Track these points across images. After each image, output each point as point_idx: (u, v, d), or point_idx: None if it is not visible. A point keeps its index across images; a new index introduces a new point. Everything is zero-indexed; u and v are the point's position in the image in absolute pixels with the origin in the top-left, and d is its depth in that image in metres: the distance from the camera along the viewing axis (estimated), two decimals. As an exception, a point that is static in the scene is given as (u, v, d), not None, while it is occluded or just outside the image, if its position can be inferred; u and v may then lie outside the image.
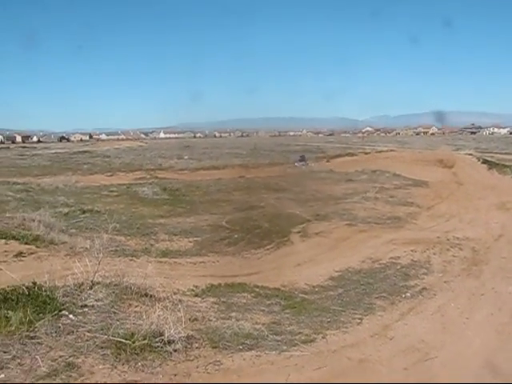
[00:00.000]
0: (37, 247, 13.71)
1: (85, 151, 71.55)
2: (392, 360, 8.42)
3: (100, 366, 7.13)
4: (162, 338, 7.76)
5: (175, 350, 7.72)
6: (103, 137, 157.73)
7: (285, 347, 8.48)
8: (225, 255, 14.25)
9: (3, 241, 13.89)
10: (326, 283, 12.30)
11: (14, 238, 14.10)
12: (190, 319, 8.73)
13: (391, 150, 55.15)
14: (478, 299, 11.20)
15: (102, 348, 7.54)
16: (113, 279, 9.90)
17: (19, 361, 6.84)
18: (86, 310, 8.73)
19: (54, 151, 74.60)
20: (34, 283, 8.99)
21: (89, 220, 18.82)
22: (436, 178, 32.28)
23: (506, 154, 48.44)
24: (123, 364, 7.24)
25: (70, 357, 7.20)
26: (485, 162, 41.33)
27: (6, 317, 7.84)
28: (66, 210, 20.42)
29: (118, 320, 8.42)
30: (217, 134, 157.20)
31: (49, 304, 8.54)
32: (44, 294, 8.73)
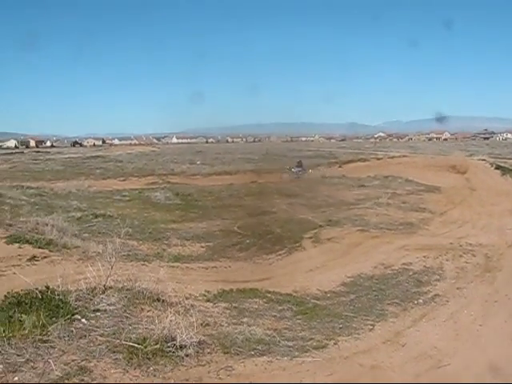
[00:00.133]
0: (50, 251, 13.78)
1: (98, 156, 71.85)
2: (404, 367, 8.38)
3: (112, 371, 7.16)
4: (174, 342, 7.77)
5: (187, 355, 7.72)
6: (116, 142, 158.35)
7: (297, 353, 8.46)
8: (237, 260, 14.25)
9: (17, 245, 13.98)
10: (338, 289, 12.26)
11: (27, 241, 14.18)
12: (201, 324, 8.73)
13: (403, 156, 54.92)
14: (491, 306, 11.11)
15: (114, 352, 7.57)
16: (125, 284, 9.94)
17: (32, 364, 6.88)
18: (99, 314, 8.77)
19: (67, 156, 75.02)
20: (47, 287, 9.04)
21: (101, 224, 18.89)
22: (449, 184, 32.13)
23: (519, 159, 48.14)
24: (135, 368, 7.27)
25: (82, 361, 7.24)
26: (498, 167, 41.08)
27: (20, 320, 7.90)
28: (78, 214, 20.51)
29: (130, 324, 8.45)
30: (229, 140, 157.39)
31: (62, 308, 8.59)
32: (57, 298, 8.77)
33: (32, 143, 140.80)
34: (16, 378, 6.53)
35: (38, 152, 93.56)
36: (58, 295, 8.85)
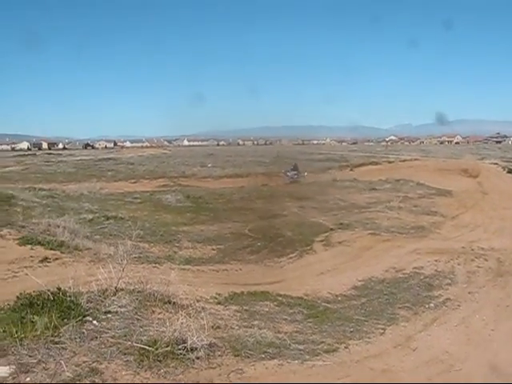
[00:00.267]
0: (61, 253, 13.84)
1: (109, 158, 72.07)
2: (415, 371, 8.34)
3: (123, 373, 7.18)
4: (185, 345, 7.78)
5: (198, 358, 7.73)
6: (127, 144, 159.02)
7: (307, 356, 8.45)
8: (247, 263, 14.26)
9: (29, 246, 14.06)
10: (349, 292, 12.23)
11: (39, 243, 14.26)
12: (212, 327, 8.73)
13: (415, 159, 54.71)
14: (503, 311, 11.05)
15: (125, 354, 7.59)
16: (136, 286, 9.96)
17: (44, 365, 6.91)
18: (110, 316, 8.80)
19: (79, 158, 75.33)
20: (59, 289, 9.08)
21: (113, 226, 18.95)
22: (460, 188, 31.98)
23: (532, 163, 47.82)
24: (146, 370, 7.28)
25: (93, 362, 7.26)
26: (510, 171, 40.87)
27: (32, 321, 7.94)
28: (90, 216, 20.59)
29: (141, 327, 8.47)
30: (240, 142, 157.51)
31: (73, 309, 8.63)
32: (68, 299, 8.81)
33: (44, 145, 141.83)
34: (28, 379, 6.57)
35: (51, 154, 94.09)
36: (70, 297, 8.88)
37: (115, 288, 9.67)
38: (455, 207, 25.21)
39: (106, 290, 9.65)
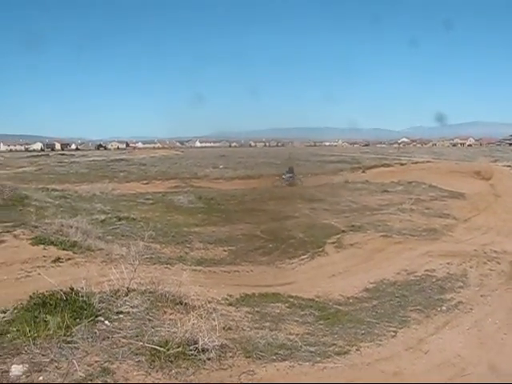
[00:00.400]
0: (74, 253, 13.90)
1: (121, 159, 72.30)
2: (427, 374, 8.31)
3: (135, 373, 7.20)
4: (196, 346, 7.80)
5: (209, 359, 7.74)
6: (139, 145, 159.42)
7: (318, 358, 8.44)
8: (259, 265, 14.25)
9: (42, 246, 14.13)
10: (361, 295, 12.21)
11: (52, 243, 14.33)
12: (224, 328, 8.74)
13: (427, 162, 54.40)
14: (516, 314, 10.98)
15: (136, 354, 7.62)
16: (148, 286, 10.00)
17: (57, 364, 6.96)
18: (122, 316, 8.83)
19: (91, 159, 75.66)
20: (72, 289, 9.13)
21: (125, 227, 19.01)
22: (473, 190, 31.80)
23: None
24: (157, 371, 7.30)
25: (105, 362, 7.30)
26: (524, 173, 40.58)
27: (45, 321, 7.99)
28: (102, 216, 20.67)
29: (152, 327, 8.49)
30: (252, 144, 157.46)
31: (85, 310, 8.67)
32: (81, 299, 8.86)
33: (57, 146, 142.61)
34: (41, 378, 6.62)
35: (63, 155, 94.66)
36: (82, 297, 8.93)
37: (127, 288, 9.71)
38: (468, 210, 25.08)
39: (118, 290, 9.69)
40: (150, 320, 8.78)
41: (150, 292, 9.73)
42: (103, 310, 8.83)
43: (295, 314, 10.47)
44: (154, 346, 7.75)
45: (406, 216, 22.15)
